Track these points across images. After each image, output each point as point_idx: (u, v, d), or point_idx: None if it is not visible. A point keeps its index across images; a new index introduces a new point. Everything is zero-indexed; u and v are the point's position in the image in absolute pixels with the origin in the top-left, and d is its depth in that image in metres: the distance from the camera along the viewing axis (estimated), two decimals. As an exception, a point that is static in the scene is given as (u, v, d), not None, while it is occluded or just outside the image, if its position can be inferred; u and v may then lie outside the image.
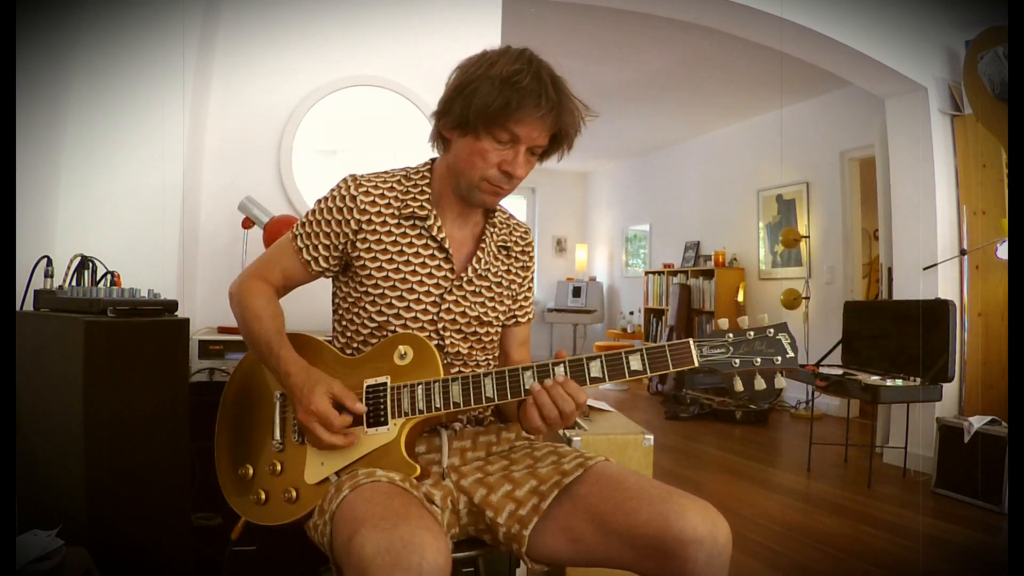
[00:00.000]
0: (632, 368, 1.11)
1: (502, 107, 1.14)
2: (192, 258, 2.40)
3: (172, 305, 1.61)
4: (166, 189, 2.21)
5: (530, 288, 1.46)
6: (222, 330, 2.17)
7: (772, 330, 1.09)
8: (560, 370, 1.14)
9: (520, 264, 1.42)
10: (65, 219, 2.09)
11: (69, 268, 1.75)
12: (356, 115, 2.61)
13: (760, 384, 1.10)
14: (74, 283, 1.74)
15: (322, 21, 2.60)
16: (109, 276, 1.77)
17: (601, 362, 1.13)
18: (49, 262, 1.74)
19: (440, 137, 1.28)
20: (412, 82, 2.69)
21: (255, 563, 1.83)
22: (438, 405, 1.18)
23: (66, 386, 1.42)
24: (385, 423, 1.20)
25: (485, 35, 2.80)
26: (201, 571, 1.77)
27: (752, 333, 1.10)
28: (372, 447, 1.20)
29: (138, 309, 1.51)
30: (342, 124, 2.60)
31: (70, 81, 2.10)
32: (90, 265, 1.78)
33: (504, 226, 1.41)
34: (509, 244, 1.40)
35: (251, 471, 1.29)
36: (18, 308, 1.72)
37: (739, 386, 1.12)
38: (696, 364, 1.09)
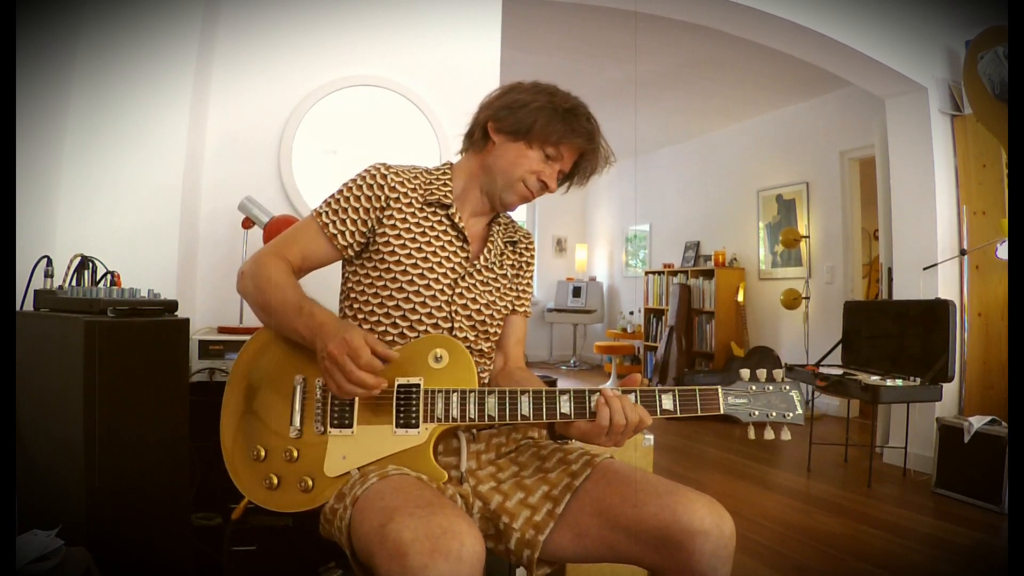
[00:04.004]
0: (664, 407, 1.17)
1: (565, 131, 1.33)
2: (192, 258, 2.40)
3: (172, 305, 1.61)
4: (166, 189, 2.21)
5: (529, 284, 1.54)
6: (222, 330, 2.18)
7: (787, 386, 1.19)
8: (610, 392, 1.17)
9: (524, 259, 1.52)
10: (65, 219, 2.09)
11: (69, 268, 1.75)
12: (356, 115, 2.62)
13: (769, 434, 1.18)
14: (74, 283, 1.74)
15: (322, 21, 2.60)
16: (109, 276, 1.77)
17: (636, 396, 1.17)
18: (49, 262, 1.74)
19: (482, 136, 1.39)
20: (412, 82, 2.69)
21: (255, 563, 1.83)
22: (473, 416, 1.18)
23: (66, 386, 1.42)
24: (416, 426, 1.19)
25: (485, 35, 2.80)
26: (201, 571, 1.77)
27: (770, 387, 1.19)
28: (400, 448, 1.19)
29: (138, 309, 1.51)
30: (342, 124, 2.60)
31: (70, 81, 2.11)
32: (90, 265, 1.78)
33: (509, 227, 1.52)
34: (516, 240, 1.51)
35: (263, 453, 1.25)
36: (18, 308, 1.72)
37: (751, 434, 1.19)
38: (721, 411, 1.18)
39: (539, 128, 1.32)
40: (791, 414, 1.19)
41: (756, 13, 3.29)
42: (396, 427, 1.19)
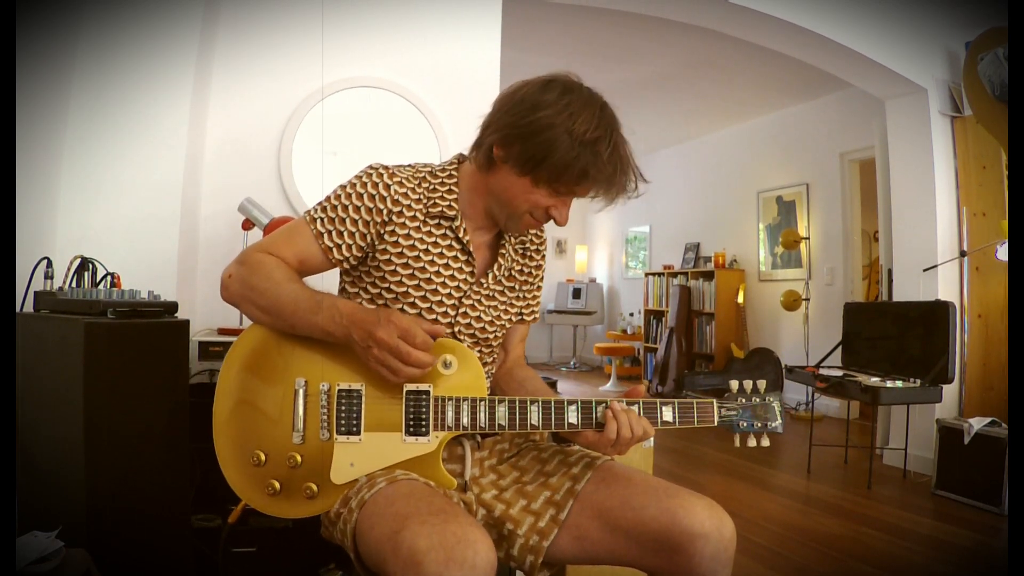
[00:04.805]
0: (664, 419, 1.22)
1: (578, 174, 1.15)
2: (192, 259, 2.40)
3: (172, 306, 1.61)
4: (166, 190, 2.21)
5: (539, 288, 1.45)
6: (222, 331, 2.17)
7: (770, 398, 1.29)
8: (618, 406, 1.19)
9: (534, 263, 1.42)
10: (65, 220, 2.09)
11: (69, 269, 1.75)
12: (356, 116, 2.62)
13: (752, 442, 1.28)
14: (74, 284, 1.74)
15: (322, 22, 2.60)
16: (109, 277, 1.77)
17: (639, 408, 1.20)
18: (49, 263, 1.74)
19: (488, 157, 1.21)
20: (412, 83, 2.69)
21: (254, 564, 1.83)
22: (483, 424, 1.18)
23: (66, 387, 1.42)
24: (426, 434, 1.17)
25: (485, 35, 2.80)
26: (201, 572, 1.77)
27: (756, 399, 1.28)
28: (409, 455, 1.17)
29: (138, 310, 1.51)
30: (342, 125, 2.60)
31: (70, 82, 2.10)
32: (90, 266, 1.78)
33: None
34: (526, 243, 1.41)
35: (263, 458, 1.19)
36: (18, 309, 1.72)
37: (737, 442, 1.29)
38: (716, 423, 1.26)
39: (549, 169, 1.15)
40: (772, 424, 1.28)
41: (756, 14, 3.29)
42: (406, 435, 1.17)
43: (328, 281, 1.46)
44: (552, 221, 1.26)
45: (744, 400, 1.28)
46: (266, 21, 2.55)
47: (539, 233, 1.43)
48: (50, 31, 1.99)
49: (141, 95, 2.19)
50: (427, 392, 1.18)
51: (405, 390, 1.19)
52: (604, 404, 1.18)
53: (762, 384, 1.29)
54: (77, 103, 2.12)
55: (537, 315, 1.46)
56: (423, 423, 1.17)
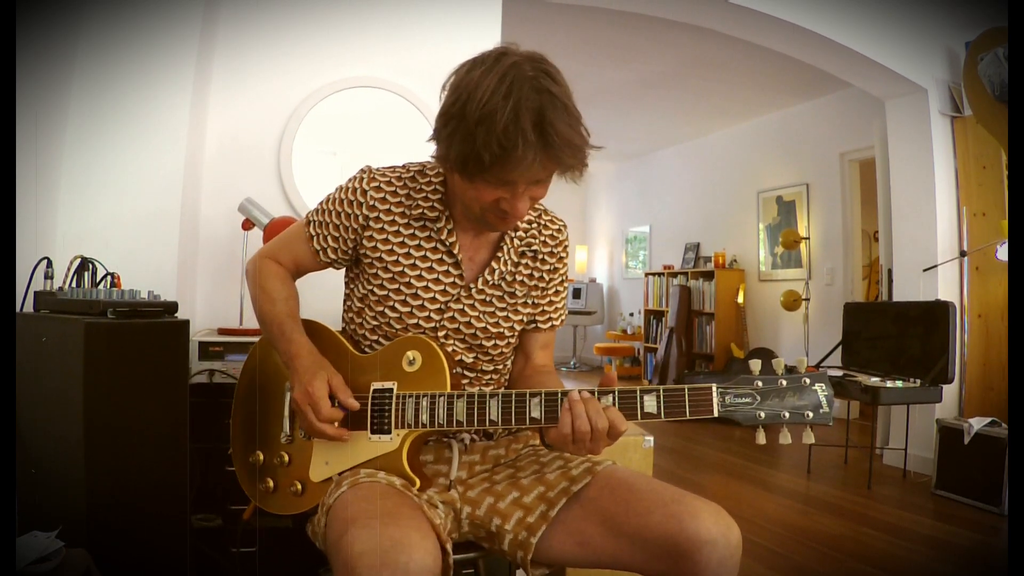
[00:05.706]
0: (646, 410, 1.05)
1: (476, 163, 1.03)
2: (192, 260, 2.40)
3: (172, 306, 1.61)
4: (166, 190, 2.21)
5: (557, 292, 1.36)
6: (222, 331, 2.17)
7: (808, 379, 1.02)
8: (575, 395, 1.07)
9: (547, 267, 1.33)
10: (65, 220, 2.09)
11: (69, 269, 1.75)
12: (356, 116, 2.61)
13: (786, 438, 1.02)
14: (74, 284, 1.74)
15: (322, 22, 2.60)
16: (109, 277, 1.77)
17: (614, 397, 1.07)
18: (49, 263, 1.74)
19: (437, 157, 1.16)
20: (411, 83, 2.68)
21: (255, 563, 1.83)
22: (441, 421, 1.14)
23: (66, 387, 1.42)
24: (388, 432, 1.17)
25: (485, 35, 2.80)
26: (201, 572, 1.77)
27: (784, 381, 1.03)
28: (374, 454, 1.18)
29: (138, 311, 1.51)
30: (342, 125, 2.60)
31: (70, 82, 2.10)
32: (90, 266, 1.78)
33: (531, 230, 1.32)
34: (535, 246, 1.32)
35: (261, 458, 1.28)
36: (18, 309, 1.72)
37: (761, 439, 1.04)
38: (716, 414, 1.03)
39: (458, 159, 1.06)
40: (812, 413, 1.01)
41: (756, 14, 3.29)
42: (370, 433, 1.18)
43: (330, 275, 1.46)
44: (511, 216, 1.15)
45: (763, 384, 1.03)
46: (266, 21, 2.55)
47: (555, 234, 1.34)
48: (50, 31, 1.99)
49: (141, 95, 2.19)
50: (391, 390, 1.18)
51: (372, 388, 1.20)
52: (569, 392, 1.08)
53: (802, 362, 1.04)
54: (77, 103, 2.12)
55: (557, 323, 1.36)
56: (386, 422, 1.18)
